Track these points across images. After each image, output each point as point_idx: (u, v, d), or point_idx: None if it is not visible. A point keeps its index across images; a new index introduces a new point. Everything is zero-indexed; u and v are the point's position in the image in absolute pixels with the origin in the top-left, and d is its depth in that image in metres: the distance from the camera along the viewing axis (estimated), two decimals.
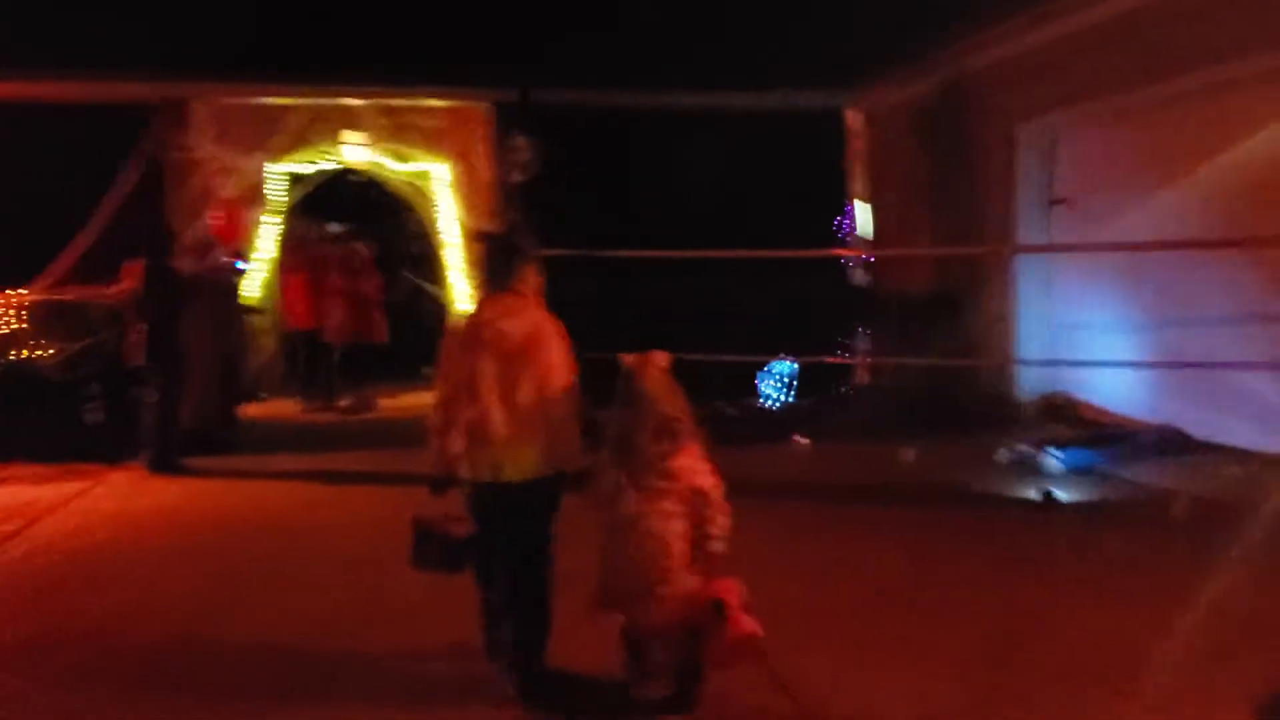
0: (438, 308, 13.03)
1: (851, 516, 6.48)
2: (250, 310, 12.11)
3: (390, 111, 12.12)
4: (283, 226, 12.25)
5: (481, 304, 3.81)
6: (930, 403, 9.74)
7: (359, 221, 13.42)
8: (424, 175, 12.56)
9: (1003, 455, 7.75)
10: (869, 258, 11.61)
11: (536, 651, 3.70)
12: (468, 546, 3.76)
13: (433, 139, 12.40)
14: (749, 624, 3.29)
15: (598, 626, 3.63)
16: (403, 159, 12.48)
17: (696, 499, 3.33)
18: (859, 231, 11.76)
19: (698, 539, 3.33)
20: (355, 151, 11.97)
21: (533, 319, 3.65)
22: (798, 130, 11.60)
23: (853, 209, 11.16)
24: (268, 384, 12.30)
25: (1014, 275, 9.44)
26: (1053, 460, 7.38)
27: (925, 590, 5.05)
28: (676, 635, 3.35)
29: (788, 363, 10.49)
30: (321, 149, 12.21)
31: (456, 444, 3.58)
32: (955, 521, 6.31)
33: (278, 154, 11.73)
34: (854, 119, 12.08)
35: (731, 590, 3.36)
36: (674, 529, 3.30)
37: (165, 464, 8.11)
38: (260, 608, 4.94)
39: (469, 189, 12.49)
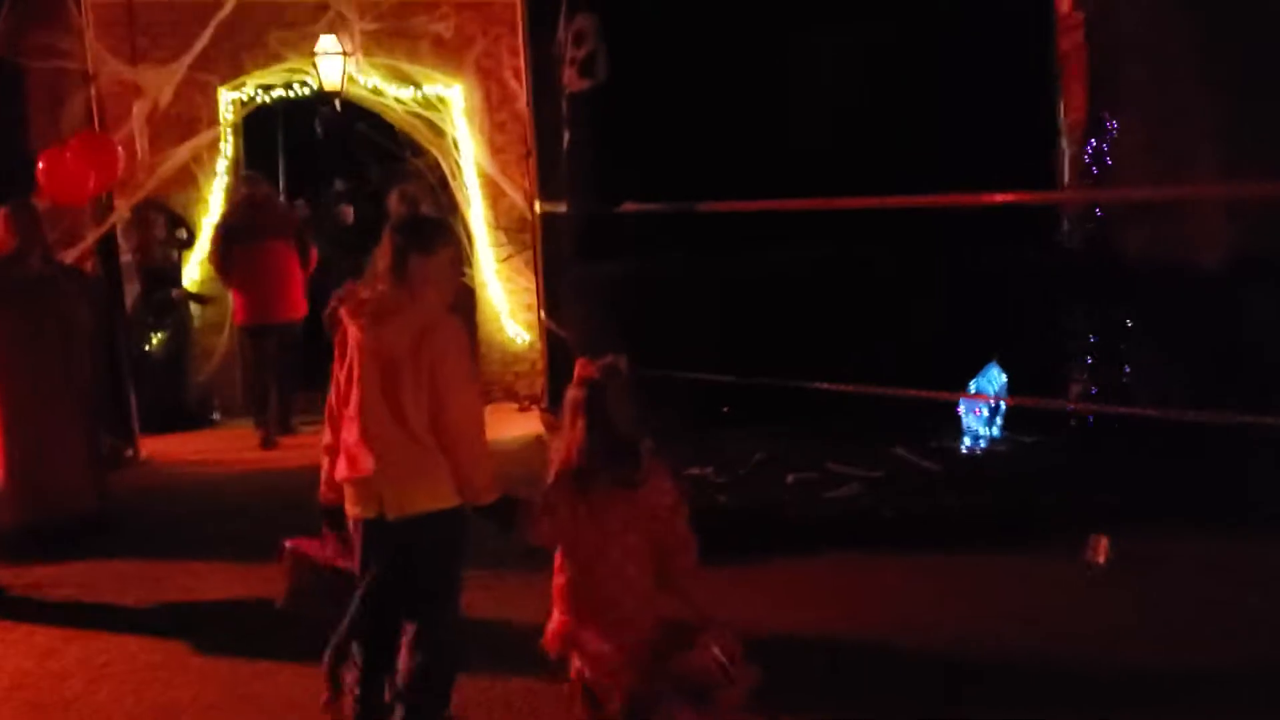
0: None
1: None
2: (193, 299, 8.63)
3: (384, 10, 8.40)
4: (228, 179, 8.62)
5: (359, 297, 3.07)
6: (1238, 441, 5.84)
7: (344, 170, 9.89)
8: (436, 103, 8.84)
9: None
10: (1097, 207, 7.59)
11: (440, 701, 3.14)
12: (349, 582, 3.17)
13: (447, 51, 8.68)
14: (737, 692, 2.82)
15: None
16: (405, 81, 8.76)
17: (661, 528, 2.87)
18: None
19: (669, 571, 2.90)
20: (333, 69, 8.26)
21: (421, 321, 2.98)
22: (979, 18, 7.72)
23: (1107, 133, 7.19)
24: (223, 401, 8.75)
25: None
26: None
27: None
28: (636, 677, 2.83)
29: (996, 377, 6.64)
30: (285, 65, 8.54)
31: (336, 469, 3.08)
32: None
33: (213, 69, 8.07)
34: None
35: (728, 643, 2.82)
36: (640, 561, 2.86)
37: None
38: None
39: (497, 122, 8.78)
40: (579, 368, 2.90)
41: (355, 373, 3.03)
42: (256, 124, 9.38)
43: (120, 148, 6.65)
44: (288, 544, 3.38)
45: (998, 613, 4.22)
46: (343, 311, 3.09)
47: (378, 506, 3.01)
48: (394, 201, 7.03)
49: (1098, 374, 6.89)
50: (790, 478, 5.84)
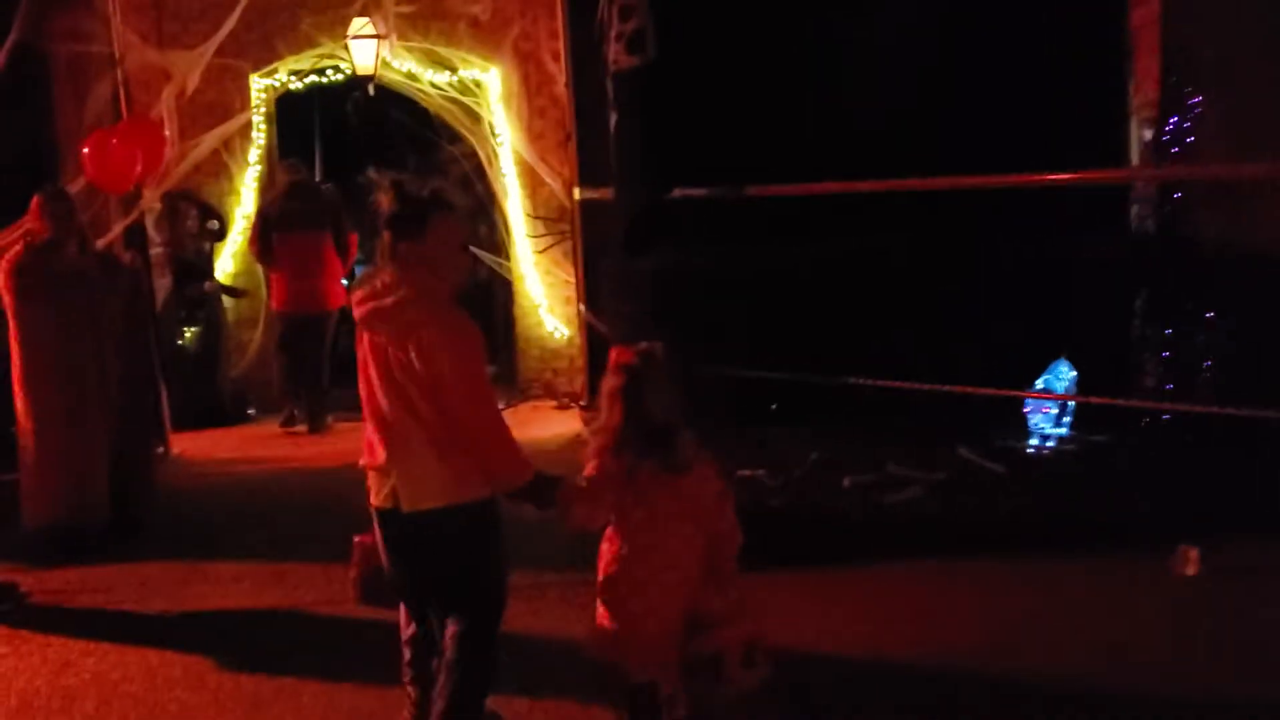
0: (493, 281, 9.08)
1: None
2: (227, 291, 8.43)
3: None
4: (260, 169, 8.41)
5: (367, 288, 2.92)
6: None
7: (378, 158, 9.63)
8: (472, 87, 8.55)
9: None
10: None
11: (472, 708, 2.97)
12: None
13: (484, 33, 8.38)
14: (748, 679, 2.78)
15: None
16: (441, 65, 8.48)
17: (710, 517, 2.78)
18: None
19: (714, 559, 2.80)
20: (366, 52, 7.99)
21: (417, 314, 2.81)
22: None
23: (1189, 110, 6.68)
24: (258, 397, 8.53)
25: None
26: None
27: None
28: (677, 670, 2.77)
29: (1065, 373, 6.24)
30: (318, 50, 8.30)
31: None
32: None
33: (245, 54, 7.87)
34: None
35: (739, 638, 2.78)
36: (693, 549, 2.76)
37: None
38: None
39: (535, 107, 8.46)
40: (615, 354, 2.80)
41: (367, 364, 2.93)
42: (291, 111, 9.19)
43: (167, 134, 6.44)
44: (357, 539, 3.32)
45: (1077, 631, 3.84)
46: (352, 301, 2.99)
47: (393, 498, 2.89)
48: (381, 196, 6.83)
49: (1173, 369, 6.47)
50: (847, 480, 5.50)
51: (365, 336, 2.93)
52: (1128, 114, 7.72)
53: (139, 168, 6.34)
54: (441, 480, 2.84)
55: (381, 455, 2.87)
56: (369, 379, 2.91)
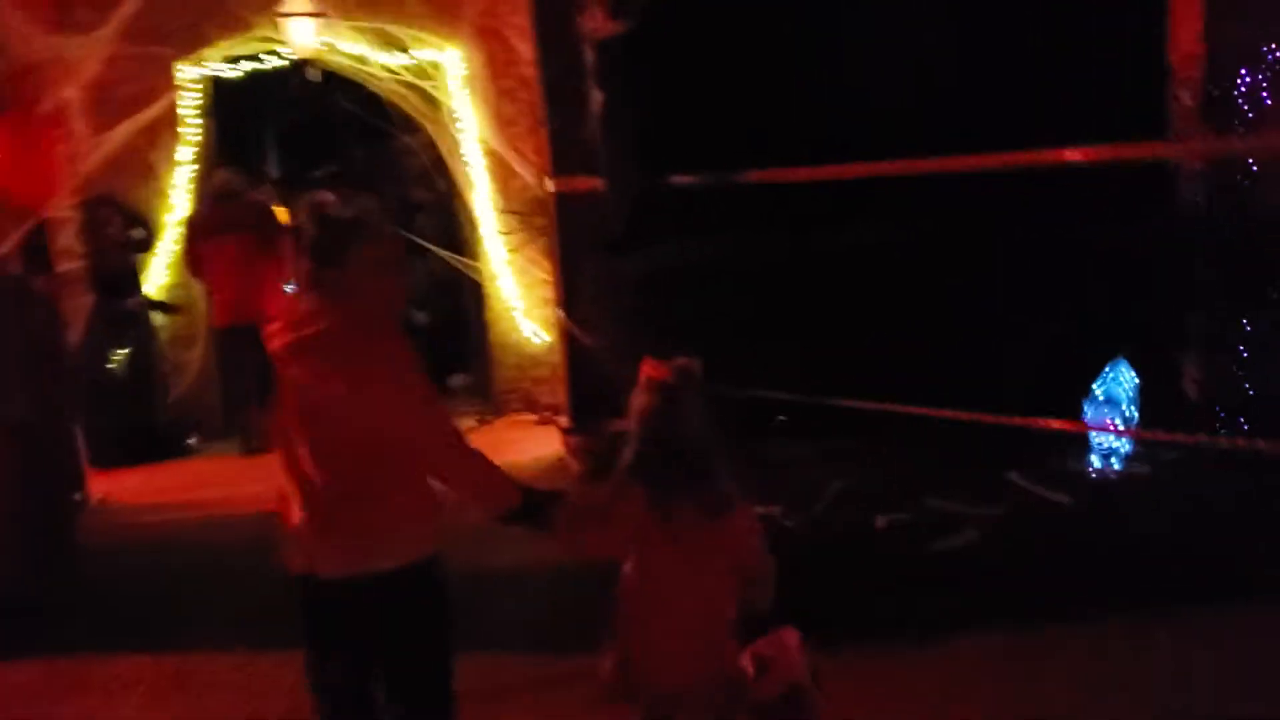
0: (460, 283, 8.13)
1: None
2: (158, 307, 7.49)
3: None
4: (197, 169, 7.45)
5: (286, 318, 2.63)
6: None
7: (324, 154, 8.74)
8: (429, 70, 7.61)
9: None
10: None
11: None
12: None
13: (438, 8, 7.44)
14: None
15: None
16: (393, 45, 7.53)
17: (740, 556, 2.55)
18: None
19: (743, 607, 2.62)
20: (304, 32, 7.03)
21: (344, 337, 2.48)
22: None
23: (1269, 63, 5.74)
24: (200, 425, 7.60)
25: None
26: None
27: None
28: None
29: (1126, 374, 5.35)
30: (254, 33, 7.33)
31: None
32: None
33: (169, 40, 6.91)
34: None
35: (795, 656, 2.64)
36: (725, 593, 2.55)
37: None
38: None
39: (503, 89, 7.52)
40: (646, 368, 2.54)
41: (286, 405, 2.57)
42: (238, 106, 8.26)
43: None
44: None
45: None
46: (267, 332, 2.61)
47: (309, 563, 2.50)
48: (301, 216, 6.13)
49: (1254, 369, 5.58)
50: (880, 520, 4.58)
51: (290, 377, 2.56)
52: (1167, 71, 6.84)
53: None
54: (368, 540, 2.47)
55: (296, 512, 2.51)
56: (283, 424, 2.55)
